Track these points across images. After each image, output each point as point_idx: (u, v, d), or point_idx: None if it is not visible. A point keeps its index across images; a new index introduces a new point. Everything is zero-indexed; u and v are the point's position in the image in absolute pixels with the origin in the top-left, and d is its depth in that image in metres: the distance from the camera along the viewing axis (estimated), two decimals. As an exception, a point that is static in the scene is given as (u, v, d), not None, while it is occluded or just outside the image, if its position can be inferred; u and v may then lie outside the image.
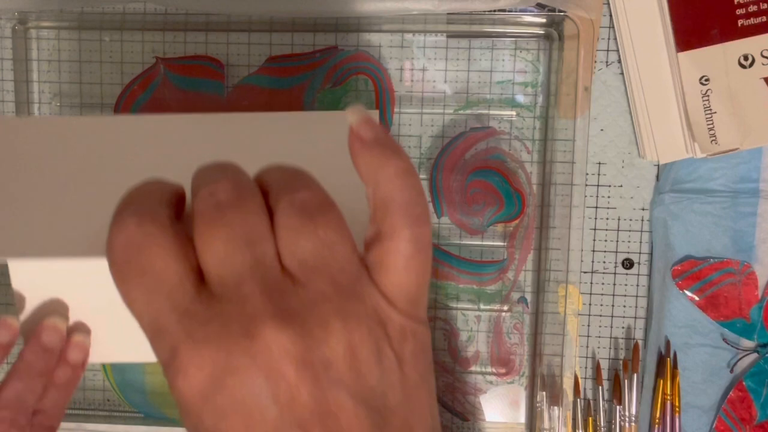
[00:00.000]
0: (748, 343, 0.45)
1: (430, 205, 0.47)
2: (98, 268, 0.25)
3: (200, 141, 0.29)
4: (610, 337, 0.47)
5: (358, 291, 0.23)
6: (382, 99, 0.46)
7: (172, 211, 0.24)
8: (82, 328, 0.33)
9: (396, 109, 0.46)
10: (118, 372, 0.49)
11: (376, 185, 0.24)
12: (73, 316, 0.33)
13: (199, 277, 0.23)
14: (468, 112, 0.46)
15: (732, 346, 0.45)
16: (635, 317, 0.47)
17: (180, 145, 0.26)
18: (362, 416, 0.22)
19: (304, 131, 0.31)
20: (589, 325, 0.47)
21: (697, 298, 0.45)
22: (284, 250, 0.23)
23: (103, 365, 0.49)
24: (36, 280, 0.32)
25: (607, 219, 0.46)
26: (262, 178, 0.24)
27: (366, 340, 0.22)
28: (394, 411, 0.23)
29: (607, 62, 0.45)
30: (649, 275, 0.47)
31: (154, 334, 0.23)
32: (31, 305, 0.33)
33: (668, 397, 0.45)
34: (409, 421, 0.23)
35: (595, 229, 0.47)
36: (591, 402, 0.47)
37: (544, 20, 0.44)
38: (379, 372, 0.22)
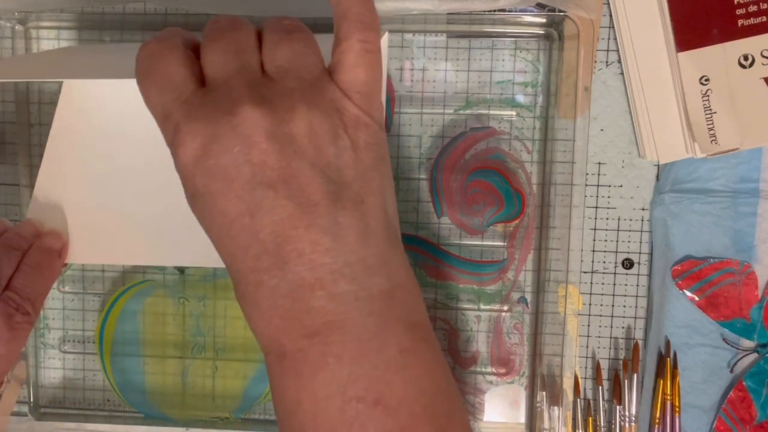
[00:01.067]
0: (748, 343, 0.45)
1: (431, 205, 0.47)
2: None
3: None
4: (610, 337, 0.47)
5: (319, 87, 0.29)
6: (382, 99, 0.46)
7: (187, 43, 0.30)
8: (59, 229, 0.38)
9: (396, 109, 0.46)
10: (119, 372, 0.49)
11: (337, 3, 0.30)
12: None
13: (201, 83, 0.29)
14: (468, 112, 0.46)
15: (732, 346, 0.45)
16: (635, 317, 0.47)
17: None
18: (319, 182, 0.27)
19: None
20: (589, 325, 0.47)
21: (697, 298, 0.45)
22: (266, 58, 0.29)
23: (103, 365, 0.49)
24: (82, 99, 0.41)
25: (607, 219, 0.46)
26: (259, 24, 0.31)
27: (324, 123, 0.28)
28: (348, 185, 0.28)
29: (607, 62, 0.45)
30: (649, 275, 0.47)
31: (163, 119, 0.29)
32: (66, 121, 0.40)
33: (668, 397, 0.45)
34: (361, 195, 0.28)
35: (595, 229, 0.47)
36: (591, 402, 0.47)
37: (544, 20, 0.44)
38: (335, 150, 0.28)
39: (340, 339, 0.27)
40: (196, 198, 0.28)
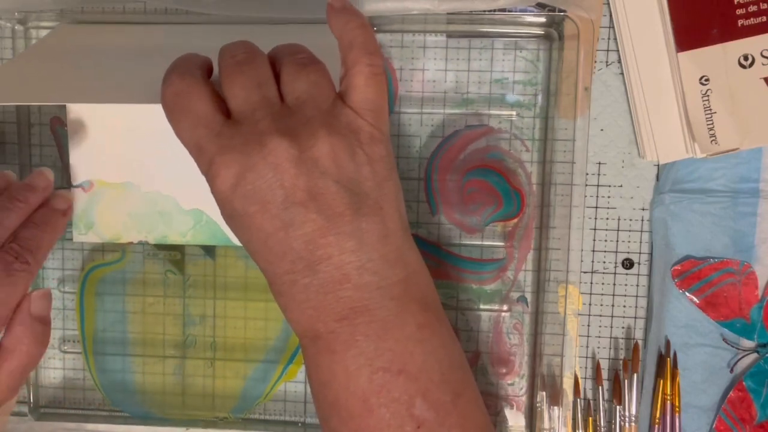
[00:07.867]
0: (748, 343, 0.45)
1: (425, 204, 0.47)
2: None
3: (219, 41, 0.36)
4: (610, 337, 0.47)
5: (335, 112, 0.32)
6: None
7: (205, 73, 0.34)
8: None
9: (396, 109, 0.46)
10: (110, 372, 0.49)
11: (342, 35, 0.34)
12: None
13: (227, 115, 0.33)
14: (468, 111, 0.46)
15: (732, 346, 0.45)
16: (635, 317, 0.47)
17: (201, 40, 0.37)
18: (343, 195, 0.31)
19: (303, 40, 0.37)
20: (589, 325, 0.47)
21: (696, 299, 0.45)
22: (285, 90, 0.33)
23: (89, 365, 0.49)
24: (87, 120, 0.44)
25: (607, 219, 0.46)
26: (271, 51, 0.35)
27: (343, 143, 0.32)
28: (368, 194, 0.32)
29: (607, 62, 0.45)
30: (649, 275, 0.47)
31: (197, 153, 0.32)
32: (79, 140, 0.44)
33: (668, 397, 0.45)
34: (380, 202, 0.32)
35: (595, 229, 0.47)
36: (591, 402, 0.47)
37: (544, 20, 0.44)
38: (354, 166, 0.32)
39: (365, 320, 0.32)
40: (234, 218, 0.32)
